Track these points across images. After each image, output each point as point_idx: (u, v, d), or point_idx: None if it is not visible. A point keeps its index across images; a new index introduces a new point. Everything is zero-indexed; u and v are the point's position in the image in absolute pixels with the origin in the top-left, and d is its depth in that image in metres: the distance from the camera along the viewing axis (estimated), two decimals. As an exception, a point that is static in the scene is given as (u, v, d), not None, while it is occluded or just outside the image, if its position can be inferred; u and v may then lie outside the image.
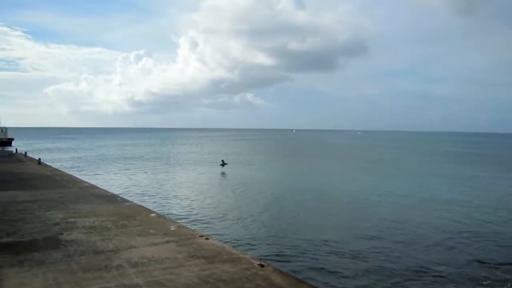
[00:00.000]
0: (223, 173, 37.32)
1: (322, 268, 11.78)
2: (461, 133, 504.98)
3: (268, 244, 14.28)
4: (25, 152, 34.78)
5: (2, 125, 79.53)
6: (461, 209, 21.45)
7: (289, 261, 12.30)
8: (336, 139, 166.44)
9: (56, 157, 53.48)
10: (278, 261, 12.08)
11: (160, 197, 23.72)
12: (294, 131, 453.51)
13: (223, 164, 39.85)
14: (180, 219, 16.70)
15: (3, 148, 50.19)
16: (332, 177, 36.32)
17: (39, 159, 27.73)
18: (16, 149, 42.39)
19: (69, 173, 23.44)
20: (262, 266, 6.74)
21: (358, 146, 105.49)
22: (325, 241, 14.60)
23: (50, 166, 26.14)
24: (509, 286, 10.77)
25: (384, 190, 27.59)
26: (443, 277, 11.34)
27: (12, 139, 77.76)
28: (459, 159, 60.81)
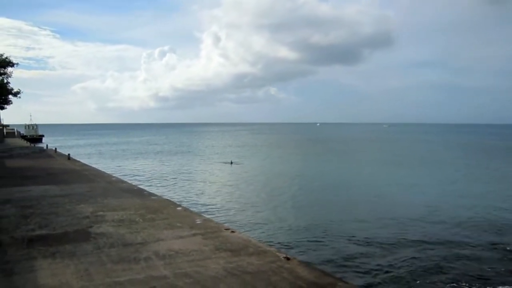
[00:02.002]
0: (246, 167, 37.42)
1: (348, 261, 11.70)
2: (493, 125, 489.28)
3: (293, 237, 14.28)
4: (55, 148, 35.74)
5: (33, 122, 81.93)
6: (495, 202, 20.88)
7: (314, 254, 12.27)
8: (362, 133, 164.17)
9: (85, 152, 54.86)
10: (304, 254, 12.07)
11: (186, 191, 24.02)
12: (318, 124, 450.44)
13: (231, 163, 40.12)
14: (205, 212, 16.87)
15: (34, 145, 51.71)
16: (358, 170, 35.87)
17: (69, 154, 28.44)
18: (47, 145, 43.61)
19: (97, 167, 23.96)
20: (287, 259, 6.73)
21: (385, 139, 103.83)
22: (351, 234, 14.50)
23: (79, 161, 26.77)
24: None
25: (413, 184, 27.11)
26: (468, 274, 11.08)
27: (43, 135, 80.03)
28: (491, 152, 59.11)
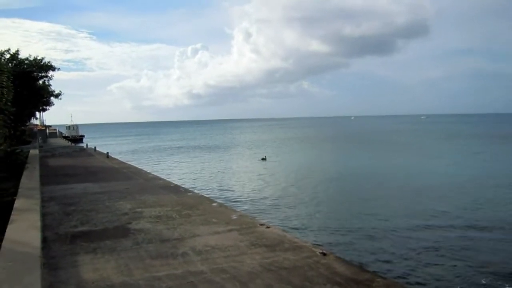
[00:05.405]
0: (280, 163, 37.34)
1: (386, 256, 11.46)
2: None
3: (330, 232, 14.12)
4: (95, 147, 36.94)
5: (73, 123, 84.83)
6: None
7: (351, 250, 12.08)
8: (398, 124, 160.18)
9: (122, 151, 56.38)
10: (340, 249, 11.91)
11: (220, 187, 24.22)
12: (352, 118, 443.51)
13: (264, 158, 39.55)
14: (240, 208, 16.96)
15: (75, 144, 53.67)
16: (396, 164, 34.98)
17: (107, 153, 29.34)
18: (87, 144, 45.21)
19: (135, 165, 24.57)
20: (324, 254, 6.67)
21: (422, 130, 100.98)
22: (390, 229, 14.18)
23: (117, 159, 27.56)
24: None
25: (458, 179, 26.11)
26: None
27: (83, 136, 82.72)
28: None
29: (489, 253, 11.77)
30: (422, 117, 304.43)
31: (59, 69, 35.36)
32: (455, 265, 10.76)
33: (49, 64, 33.89)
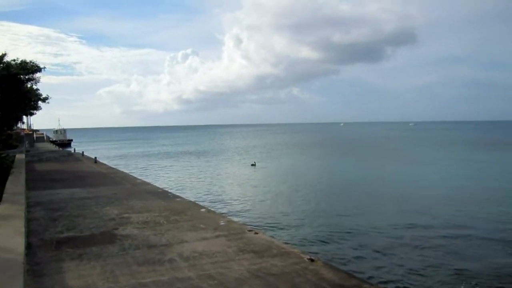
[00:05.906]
0: (269, 169, 37.33)
1: (374, 263, 11.49)
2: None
3: (317, 238, 14.12)
4: (83, 152, 36.60)
5: (61, 127, 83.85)
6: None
7: (339, 256, 12.09)
8: (386, 131, 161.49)
9: (111, 156, 55.90)
10: (328, 255, 11.92)
11: (209, 193, 24.12)
12: (342, 124, 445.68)
13: (254, 164, 39.48)
14: (228, 214, 16.90)
15: (63, 149, 53.05)
16: (381, 169, 35.24)
17: (95, 158, 29.09)
18: (74, 149, 44.81)
19: (123, 170, 24.37)
20: (312, 260, 6.67)
21: (410, 137, 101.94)
22: (376, 235, 14.25)
23: (105, 164, 27.32)
24: None
25: (437, 183, 26.46)
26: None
27: (71, 140, 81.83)
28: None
29: (472, 258, 11.88)
30: (410, 124, 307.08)
31: (44, 68, 34.84)
32: (439, 270, 10.84)
33: (34, 64, 33.49)
